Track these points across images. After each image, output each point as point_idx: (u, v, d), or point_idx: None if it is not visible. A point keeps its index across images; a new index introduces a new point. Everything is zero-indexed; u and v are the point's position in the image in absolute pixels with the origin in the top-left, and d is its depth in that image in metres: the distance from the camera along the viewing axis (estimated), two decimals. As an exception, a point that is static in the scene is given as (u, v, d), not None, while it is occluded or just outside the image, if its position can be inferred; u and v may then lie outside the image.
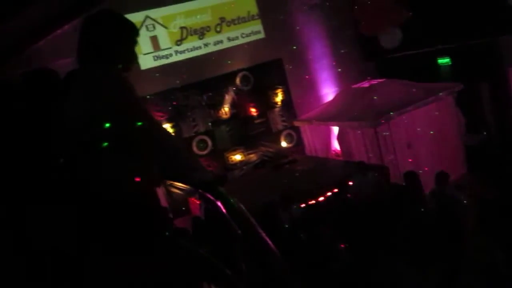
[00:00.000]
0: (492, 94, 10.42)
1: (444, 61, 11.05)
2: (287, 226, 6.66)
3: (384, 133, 8.91)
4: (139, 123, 1.82)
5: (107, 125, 1.72)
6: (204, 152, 10.72)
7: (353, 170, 8.26)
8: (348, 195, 7.57)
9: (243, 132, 11.15)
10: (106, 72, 1.87)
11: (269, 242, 1.27)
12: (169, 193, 10.14)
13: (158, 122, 2.19)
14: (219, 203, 1.79)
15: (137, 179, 1.77)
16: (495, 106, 10.40)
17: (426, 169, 8.67)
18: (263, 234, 1.34)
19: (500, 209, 6.05)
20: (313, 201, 8.07)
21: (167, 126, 10.31)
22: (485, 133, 8.83)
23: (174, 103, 10.32)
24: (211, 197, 1.90)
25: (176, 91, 10.40)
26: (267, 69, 11.27)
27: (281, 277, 1.14)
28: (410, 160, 9.11)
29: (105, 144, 1.73)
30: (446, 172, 6.73)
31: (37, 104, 1.85)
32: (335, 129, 10.55)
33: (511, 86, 10.15)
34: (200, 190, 2.10)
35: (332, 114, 10.29)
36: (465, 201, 6.38)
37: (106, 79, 1.85)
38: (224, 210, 1.71)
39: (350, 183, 7.81)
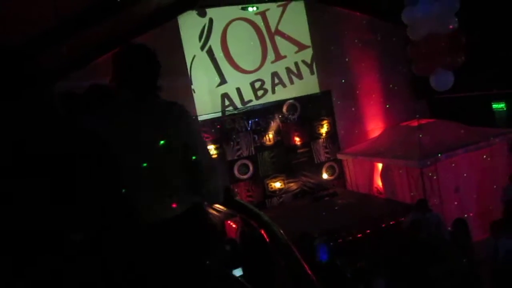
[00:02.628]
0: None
1: (499, 106, 10.69)
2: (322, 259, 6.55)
3: (430, 174, 8.66)
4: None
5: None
6: (245, 176, 10.78)
7: (403, 209, 8.03)
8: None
9: (285, 160, 11.16)
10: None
11: (311, 274, 1.26)
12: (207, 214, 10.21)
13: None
14: (262, 231, 1.80)
15: None
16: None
17: (471, 215, 8.34)
18: (305, 266, 1.33)
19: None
20: (351, 237, 7.91)
21: (212, 148, 10.50)
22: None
23: (218, 126, 10.49)
24: (255, 224, 1.92)
25: (223, 114, 10.60)
26: (315, 100, 11.31)
27: None
28: (456, 203, 8.79)
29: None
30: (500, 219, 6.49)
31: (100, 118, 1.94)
32: (379, 166, 10.36)
33: None
34: (242, 216, 2.13)
35: (377, 150, 10.13)
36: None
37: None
38: (267, 238, 1.72)
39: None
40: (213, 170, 2.12)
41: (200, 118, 10.29)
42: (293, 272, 1.34)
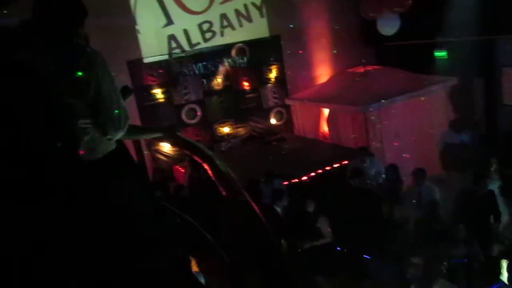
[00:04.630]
0: (484, 92, 10.51)
1: (441, 54, 11.05)
2: (268, 201, 6.74)
3: (373, 118, 8.98)
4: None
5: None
6: (193, 121, 10.68)
7: (347, 155, 8.33)
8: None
9: (234, 105, 11.10)
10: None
11: (254, 204, 1.27)
12: (154, 160, 10.14)
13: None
14: (205, 165, 1.77)
15: None
16: (486, 104, 10.51)
17: (408, 156, 8.83)
18: (248, 197, 1.33)
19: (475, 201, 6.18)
20: (297, 180, 8.16)
21: (158, 92, 10.23)
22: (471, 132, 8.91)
23: (165, 69, 10.18)
24: (198, 159, 1.89)
25: (170, 57, 10.27)
26: (265, 44, 11.17)
27: (267, 242, 1.15)
28: (396, 148, 9.21)
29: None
30: (423, 168, 6.89)
31: (40, 57, 1.80)
32: (326, 111, 10.57)
33: (502, 86, 10.25)
34: (187, 153, 2.09)
35: (324, 96, 10.29)
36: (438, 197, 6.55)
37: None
38: (210, 172, 1.69)
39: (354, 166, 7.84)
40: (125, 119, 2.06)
41: (145, 61, 9.94)
42: (240, 207, 1.34)
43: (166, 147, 10.05)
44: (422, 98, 9.47)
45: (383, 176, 7.72)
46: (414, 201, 6.72)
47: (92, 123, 1.93)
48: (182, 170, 9.40)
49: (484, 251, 5.70)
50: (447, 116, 9.82)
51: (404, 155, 8.87)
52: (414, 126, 9.50)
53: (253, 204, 1.32)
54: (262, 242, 1.13)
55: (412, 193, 6.89)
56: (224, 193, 1.50)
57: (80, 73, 1.82)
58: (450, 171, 8.73)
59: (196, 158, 1.98)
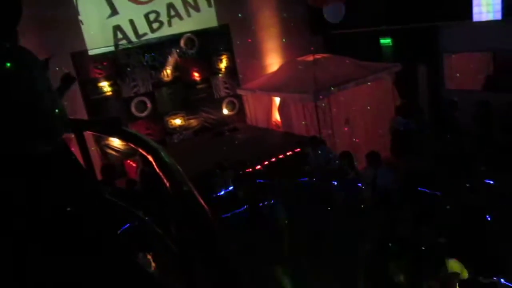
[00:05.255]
0: (427, 78, 10.94)
1: (386, 41, 11.38)
2: (222, 192, 6.73)
3: (323, 105, 9.13)
4: None
5: None
6: (143, 114, 10.44)
7: (299, 143, 8.44)
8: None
9: (185, 96, 10.95)
10: None
11: (200, 199, 1.24)
12: (104, 155, 9.85)
13: None
14: (150, 157, 1.71)
15: None
16: (429, 89, 10.95)
17: (357, 140, 9.07)
18: (195, 191, 1.30)
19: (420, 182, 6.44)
20: (251, 169, 8.19)
21: (105, 84, 9.92)
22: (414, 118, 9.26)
23: (105, 63, 9.85)
24: (143, 151, 1.83)
25: (116, 48, 9.97)
26: (214, 34, 11.06)
27: (212, 237, 1.12)
28: (347, 133, 9.42)
29: None
30: (377, 152, 7.09)
31: None
32: (277, 100, 10.64)
33: (444, 72, 10.70)
34: (132, 146, 2.02)
35: (275, 85, 10.34)
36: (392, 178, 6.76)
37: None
38: (154, 164, 1.64)
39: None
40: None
41: (90, 53, 9.59)
42: (184, 200, 1.31)
43: (116, 142, 9.78)
44: (369, 84, 9.72)
45: (336, 162, 7.87)
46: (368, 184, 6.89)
47: (33, 125, 1.82)
48: (134, 165, 9.19)
49: (431, 232, 5.94)
50: (394, 101, 10.14)
51: (354, 139, 9.12)
52: (362, 112, 9.75)
53: (198, 195, 1.29)
54: (205, 233, 1.11)
55: (368, 175, 7.05)
56: (168, 184, 1.47)
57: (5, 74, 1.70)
58: (398, 155, 9.04)
59: (141, 150, 1.92)
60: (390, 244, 4.70)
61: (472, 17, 9.11)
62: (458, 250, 4.64)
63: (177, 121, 10.95)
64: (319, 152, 7.94)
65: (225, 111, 11.60)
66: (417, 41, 10.50)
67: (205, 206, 1.25)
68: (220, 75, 11.42)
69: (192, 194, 1.29)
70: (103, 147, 9.83)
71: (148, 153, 1.80)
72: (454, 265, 4.48)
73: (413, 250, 4.78)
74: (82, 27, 9.47)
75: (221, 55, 11.34)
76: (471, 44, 9.83)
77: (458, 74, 10.58)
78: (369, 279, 4.86)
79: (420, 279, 4.53)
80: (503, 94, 9.17)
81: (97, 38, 9.66)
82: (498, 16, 8.89)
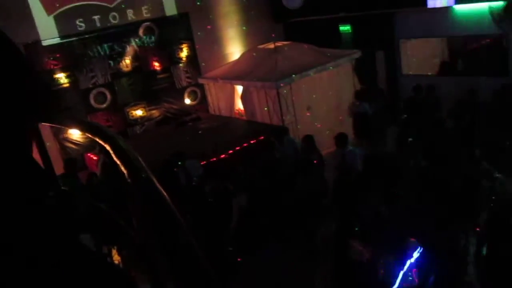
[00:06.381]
0: (385, 63, 11.20)
1: (345, 28, 11.54)
2: (184, 182, 6.68)
3: (284, 92, 9.20)
4: None
5: None
6: (103, 106, 10.20)
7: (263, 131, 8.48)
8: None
9: (145, 86, 10.76)
10: None
11: (162, 191, 1.22)
12: (63, 149, 9.59)
13: None
14: (107, 147, 1.65)
15: None
16: (387, 74, 11.21)
17: (319, 126, 9.22)
18: (156, 182, 1.28)
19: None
20: (215, 159, 8.16)
21: (62, 76, 9.61)
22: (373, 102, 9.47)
23: (58, 55, 9.53)
24: (100, 141, 1.76)
25: (73, 38, 9.66)
26: (173, 23, 10.88)
27: (177, 231, 1.11)
28: (309, 119, 9.54)
29: None
30: (345, 133, 7.25)
31: None
32: (239, 89, 10.62)
33: (401, 57, 10.98)
34: (89, 135, 1.95)
35: (237, 73, 10.30)
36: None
37: None
38: (112, 153, 1.58)
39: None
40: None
41: (44, 43, 9.25)
42: (143, 187, 1.29)
43: (75, 135, 9.53)
44: (330, 70, 9.84)
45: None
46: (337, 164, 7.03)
47: None
48: (95, 158, 8.99)
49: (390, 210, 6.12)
50: (354, 87, 10.32)
51: (316, 125, 9.25)
52: (324, 98, 9.87)
53: (156, 182, 1.27)
54: (166, 221, 1.09)
55: (337, 156, 7.18)
56: (125, 172, 1.43)
57: None
58: (359, 138, 9.24)
59: (97, 140, 1.86)
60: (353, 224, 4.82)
61: (426, 3, 9.37)
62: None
63: (138, 112, 10.76)
64: (286, 142, 8.00)
65: (187, 101, 11.49)
66: (375, 28, 10.71)
67: (165, 193, 1.23)
68: (181, 64, 11.27)
69: (151, 180, 1.27)
70: (62, 141, 9.56)
71: (105, 142, 1.75)
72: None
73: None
74: (34, 17, 9.11)
75: (182, 44, 11.19)
76: (425, 30, 10.12)
77: (414, 59, 10.89)
78: (333, 259, 4.98)
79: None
80: (457, 78, 9.51)
81: (50, 28, 9.33)
82: (452, 2, 9.18)
